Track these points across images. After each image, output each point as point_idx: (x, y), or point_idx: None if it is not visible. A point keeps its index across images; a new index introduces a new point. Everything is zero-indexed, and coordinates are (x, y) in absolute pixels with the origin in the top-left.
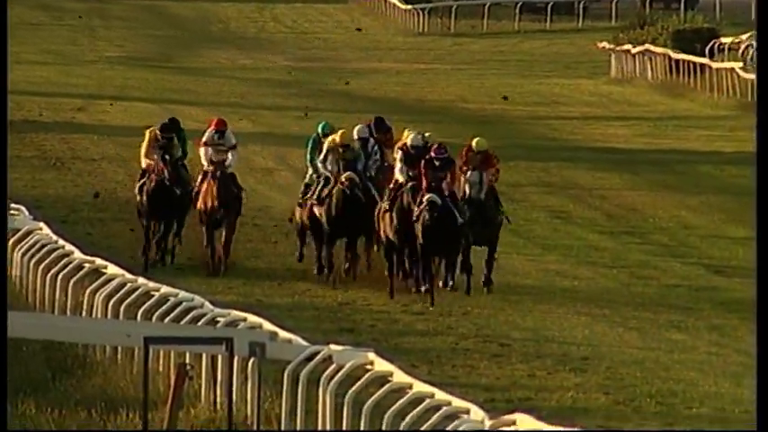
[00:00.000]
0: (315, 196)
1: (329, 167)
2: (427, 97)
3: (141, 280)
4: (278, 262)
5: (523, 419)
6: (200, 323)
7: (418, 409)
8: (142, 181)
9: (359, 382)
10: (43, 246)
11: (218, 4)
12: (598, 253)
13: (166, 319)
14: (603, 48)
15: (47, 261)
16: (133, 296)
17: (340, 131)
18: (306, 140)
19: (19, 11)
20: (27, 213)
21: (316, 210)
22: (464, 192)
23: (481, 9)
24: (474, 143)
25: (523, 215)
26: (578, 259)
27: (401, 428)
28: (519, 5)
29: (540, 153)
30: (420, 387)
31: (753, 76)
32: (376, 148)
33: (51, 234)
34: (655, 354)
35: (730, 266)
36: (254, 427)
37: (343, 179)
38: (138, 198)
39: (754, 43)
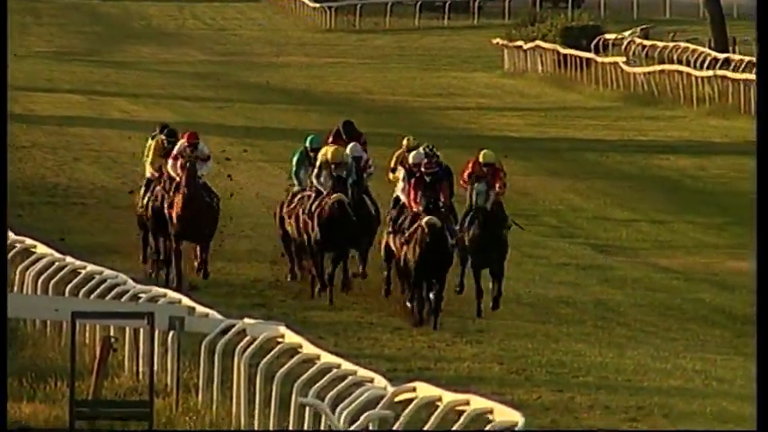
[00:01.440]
0: (306, 209)
1: (323, 182)
2: (335, 89)
3: (69, 259)
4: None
5: (423, 387)
6: (123, 299)
7: (326, 378)
8: (148, 194)
9: (271, 354)
10: None
11: (141, 3)
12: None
13: (92, 296)
14: (497, 44)
15: None
16: (61, 274)
17: (332, 149)
18: (293, 152)
19: None
20: None
21: (308, 222)
22: (470, 202)
23: (384, 7)
24: (481, 155)
25: None
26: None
27: (309, 395)
28: (419, 4)
29: (439, 141)
30: (327, 358)
31: (635, 70)
32: (370, 161)
33: None
34: (545, 327)
35: (614, 246)
36: (174, 396)
37: (332, 200)
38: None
39: (637, 39)
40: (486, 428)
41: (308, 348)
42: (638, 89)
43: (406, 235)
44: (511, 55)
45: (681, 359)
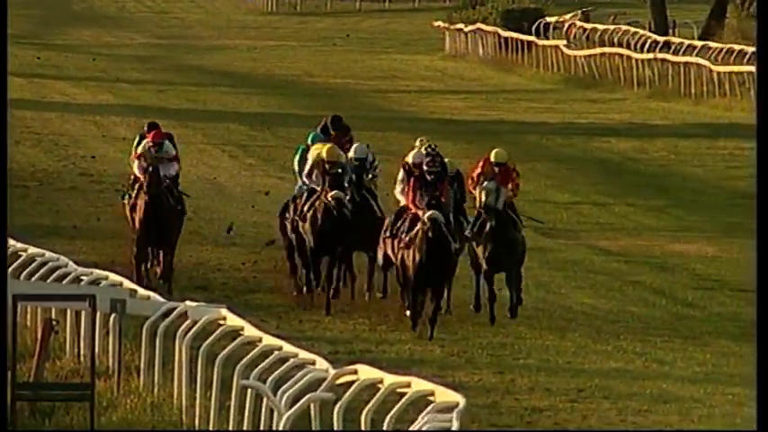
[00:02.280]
0: (298, 212)
1: (315, 181)
2: (276, 72)
3: (11, 241)
4: (124, 222)
5: (364, 370)
6: (64, 281)
7: (267, 360)
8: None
9: (212, 336)
10: None
11: None
12: None
13: (33, 278)
14: (438, 26)
15: None
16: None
17: (326, 147)
18: (295, 149)
19: None
20: None
21: (299, 224)
22: (480, 201)
23: None
24: (492, 154)
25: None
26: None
27: (251, 378)
28: None
29: (381, 123)
30: (269, 340)
31: (576, 53)
32: (376, 163)
33: None
34: (486, 310)
35: (555, 229)
36: (116, 378)
37: (330, 198)
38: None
39: (578, 23)
40: (428, 410)
41: (250, 331)
42: (578, 72)
43: (407, 238)
44: (452, 38)
45: (621, 341)
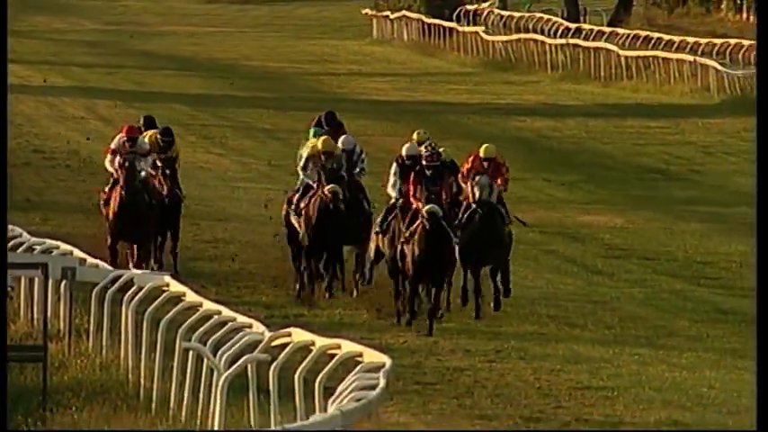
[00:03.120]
0: (293, 206)
1: (310, 175)
2: (217, 56)
3: None
4: (85, 197)
5: (297, 332)
6: (18, 250)
7: (207, 324)
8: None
9: (156, 302)
10: None
11: None
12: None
13: None
14: (366, 14)
15: None
16: None
17: (322, 138)
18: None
19: None
20: None
21: (293, 220)
22: (473, 196)
23: None
24: (482, 150)
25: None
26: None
27: (192, 340)
28: None
29: (312, 104)
30: (209, 305)
31: (494, 38)
32: (363, 155)
33: None
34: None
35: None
36: (67, 340)
37: (327, 191)
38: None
39: (496, 10)
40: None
41: (191, 297)
42: (496, 56)
43: (407, 233)
44: (379, 24)
45: (536, 305)
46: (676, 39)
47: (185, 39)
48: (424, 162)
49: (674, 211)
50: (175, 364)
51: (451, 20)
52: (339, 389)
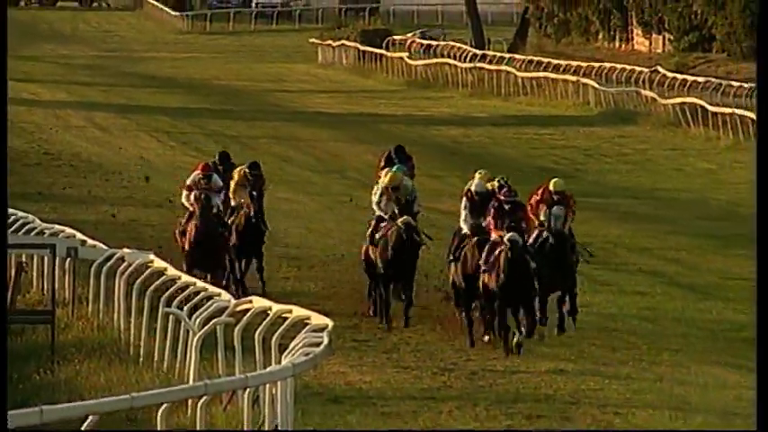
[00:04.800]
0: (368, 238)
1: (384, 208)
2: (192, 76)
3: None
4: (86, 191)
5: (257, 300)
6: (32, 234)
7: (184, 293)
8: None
9: (143, 275)
10: None
11: (44, 11)
12: (310, 185)
13: (9, 231)
14: (313, 42)
15: None
16: None
17: (389, 174)
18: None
19: None
20: None
21: (371, 251)
22: (549, 226)
23: (228, 15)
24: (552, 184)
25: (259, 158)
26: (298, 190)
27: (172, 306)
28: (254, 14)
29: (270, 115)
30: (186, 278)
31: (416, 62)
32: (416, 194)
33: None
34: (351, 254)
35: (372, 181)
36: (71, 306)
37: (400, 223)
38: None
39: (417, 39)
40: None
41: (172, 271)
42: (418, 77)
43: (488, 263)
44: (323, 51)
45: (431, 280)
46: (563, 63)
47: (166, 62)
48: (501, 197)
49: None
50: (158, 326)
51: (382, 47)
52: (291, 345)
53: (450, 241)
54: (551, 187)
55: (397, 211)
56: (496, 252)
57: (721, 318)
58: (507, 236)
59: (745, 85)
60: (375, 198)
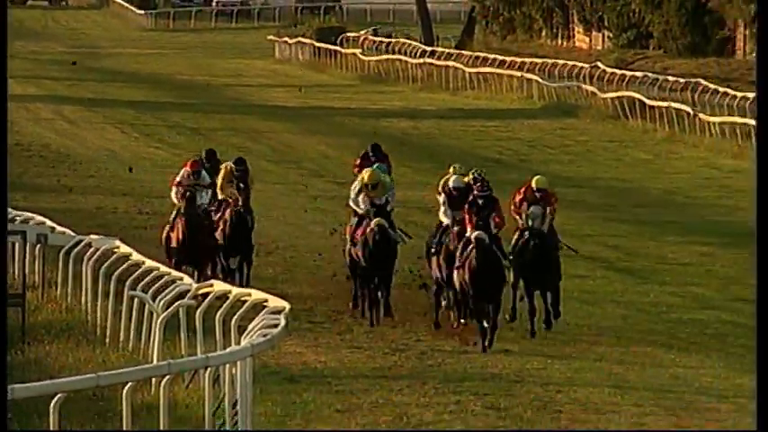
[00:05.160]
0: (349, 237)
1: (362, 206)
2: (156, 71)
3: None
4: (55, 181)
5: (218, 284)
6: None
7: (149, 277)
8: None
9: (109, 260)
10: None
11: (16, 9)
12: (267, 174)
13: None
14: (270, 39)
15: None
16: None
17: (368, 172)
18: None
19: None
20: None
21: (352, 251)
22: (527, 224)
23: (189, 13)
24: (534, 181)
25: (218, 149)
26: (255, 179)
27: (137, 289)
28: (214, 12)
29: (229, 108)
30: (150, 263)
31: (369, 58)
32: (394, 191)
33: None
34: (305, 240)
35: (325, 171)
36: (41, 290)
37: (373, 225)
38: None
39: (370, 36)
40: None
41: (136, 256)
42: (370, 72)
43: (460, 260)
44: (280, 48)
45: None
46: (508, 59)
47: (131, 58)
48: (476, 192)
49: (506, 190)
50: (123, 308)
51: (336, 44)
52: (249, 327)
53: (429, 236)
54: (533, 184)
55: (371, 214)
56: (468, 249)
57: (658, 300)
58: (474, 234)
59: (681, 80)
60: (353, 195)
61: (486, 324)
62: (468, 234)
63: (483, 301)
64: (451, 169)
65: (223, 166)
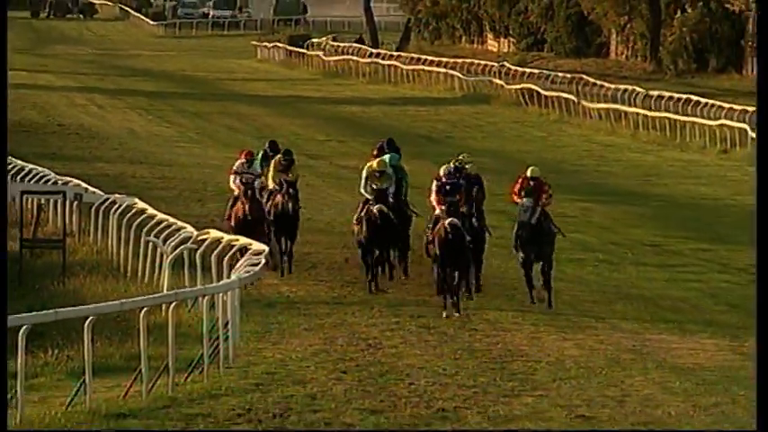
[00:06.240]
0: (355, 216)
1: (368, 191)
2: (166, 69)
3: (19, 161)
4: (87, 152)
5: (213, 232)
6: (48, 183)
7: (160, 226)
8: (269, 202)
9: (130, 213)
10: None
11: (57, 22)
12: (251, 147)
13: (31, 181)
14: (253, 44)
15: None
16: (16, 170)
17: (376, 160)
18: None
19: None
20: None
21: (355, 228)
22: (519, 216)
23: (191, 24)
24: (529, 171)
25: (211, 129)
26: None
27: (150, 236)
28: (210, 23)
29: (221, 97)
30: (161, 216)
31: (329, 58)
32: (409, 178)
33: None
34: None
35: (317, 155)
36: (77, 236)
37: (375, 210)
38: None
39: (330, 42)
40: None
41: (151, 210)
42: (330, 69)
43: (430, 235)
44: (261, 50)
45: (333, 223)
46: (435, 59)
47: (146, 58)
48: (444, 179)
49: (437, 162)
50: (141, 250)
51: (304, 47)
52: (237, 265)
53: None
54: (528, 174)
55: (372, 198)
56: (438, 226)
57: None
58: (448, 220)
59: (568, 75)
60: (362, 182)
61: (454, 293)
62: (437, 212)
63: (451, 271)
64: (461, 157)
65: (274, 159)
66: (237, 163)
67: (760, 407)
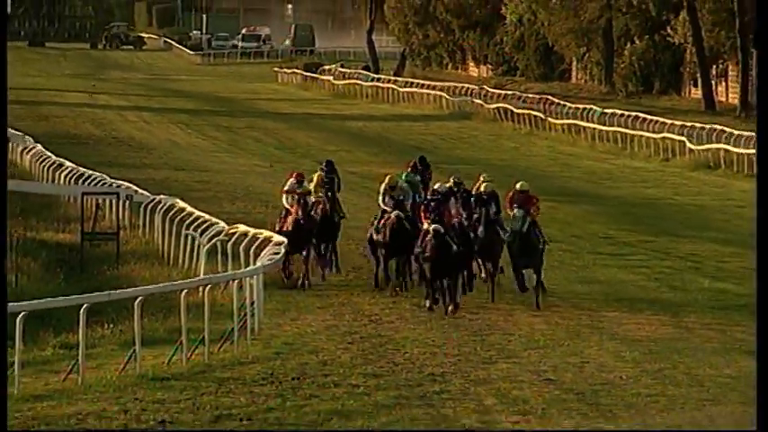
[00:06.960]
0: (374, 227)
1: (385, 203)
2: (202, 90)
3: (84, 169)
4: (137, 161)
5: (240, 226)
6: (104, 185)
7: (197, 222)
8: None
9: (173, 211)
10: None
11: (113, 52)
12: (274, 157)
13: (90, 184)
14: (275, 70)
15: None
16: (77, 174)
17: (388, 176)
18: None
19: None
20: None
21: (374, 236)
22: (511, 224)
23: (224, 53)
24: (518, 185)
25: (240, 141)
26: (266, 160)
27: (189, 229)
28: (239, 53)
29: (249, 114)
30: (198, 213)
31: (339, 82)
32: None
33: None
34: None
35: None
36: (128, 230)
37: (393, 217)
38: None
39: (339, 68)
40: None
41: (189, 209)
42: (338, 91)
43: (421, 247)
44: (281, 75)
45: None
46: (426, 82)
47: (186, 82)
48: (428, 197)
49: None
50: (181, 241)
51: (316, 72)
52: (261, 254)
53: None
54: (518, 187)
55: (391, 207)
56: (426, 239)
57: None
58: (432, 227)
59: (536, 96)
60: (380, 198)
61: (442, 297)
62: (425, 227)
63: (438, 279)
64: (482, 177)
65: (317, 174)
66: (289, 182)
67: (760, 407)
